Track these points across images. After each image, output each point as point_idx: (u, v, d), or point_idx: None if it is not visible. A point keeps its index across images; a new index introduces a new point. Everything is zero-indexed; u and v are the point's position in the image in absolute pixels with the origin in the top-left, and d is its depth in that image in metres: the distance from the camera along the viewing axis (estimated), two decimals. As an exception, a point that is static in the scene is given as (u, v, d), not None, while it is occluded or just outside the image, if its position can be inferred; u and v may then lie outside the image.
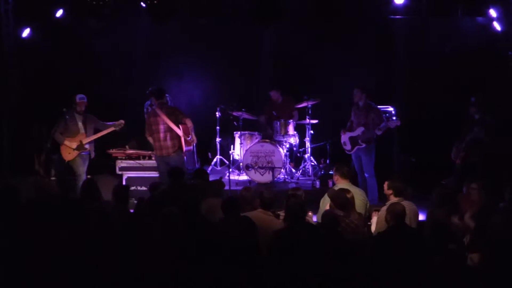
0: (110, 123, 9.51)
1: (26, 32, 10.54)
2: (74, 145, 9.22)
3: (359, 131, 9.19)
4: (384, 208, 6.64)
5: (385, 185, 7.05)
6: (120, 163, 9.80)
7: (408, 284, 4.64)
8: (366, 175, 9.18)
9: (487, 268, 4.86)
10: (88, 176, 9.42)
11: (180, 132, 8.94)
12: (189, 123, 8.99)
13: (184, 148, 9.00)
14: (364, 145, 9.15)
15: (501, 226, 5.81)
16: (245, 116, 10.91)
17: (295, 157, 10.99)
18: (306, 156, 10.72)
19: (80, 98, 9.28)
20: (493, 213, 6.34)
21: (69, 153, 9.24)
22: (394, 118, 9.68)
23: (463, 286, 4.52)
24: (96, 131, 9.45)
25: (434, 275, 4.60)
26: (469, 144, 8.95)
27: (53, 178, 10.13)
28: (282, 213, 6.70)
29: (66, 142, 9.22)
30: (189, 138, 8.95)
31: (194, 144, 9.89)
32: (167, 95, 9.68)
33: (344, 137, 9.43)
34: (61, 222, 5.67)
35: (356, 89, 9.28)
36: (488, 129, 8.91)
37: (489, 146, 8.94)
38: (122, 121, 9.49)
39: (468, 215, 6.41)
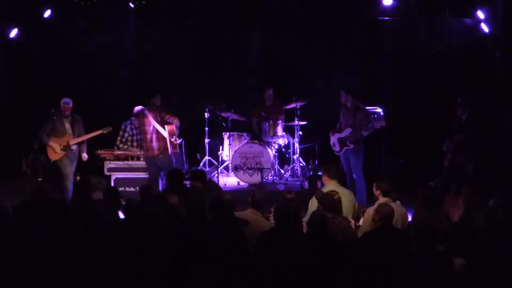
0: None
1: (13, 33, 10.48)
2: (60, 146, 9.16)
3: (347, 132, 9.21)
4: (370, 208, 6.66)
5: (374, 186, 7.08)
6: (108, 164, 9.76)
7: (392, 285, 4.66)
8: (354, 176, 9.20)
9: (470, 271, 4.89)
10: (77, 177, 9.41)
11: (165, 133, 8.92)
12: (176, 122, 8.97)
13: (170, 151, 8.97)
14: (352, 146, 9.17)
15: (484, 228, 5.82)
16: (234, 117, 10.90)
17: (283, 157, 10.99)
18: (294, 157, 10.72)
19: (64, 103, 9.15)
20: (477, 215, 6.35)
21: (55, 153, 9.18)
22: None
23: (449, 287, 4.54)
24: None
25: (419, 276, 4.62)
26: (456, 145, 9.01)
27: (40, 179, 10.08)
28: (270, 216, 6.72)
29: (51, 143, 9.16)
30: (173, 139, 8.91)
31: (183, 145, 9.87)
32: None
33: (333, 138, 9.45)
34: (56, 222, 5.65)
35: (341, 90, 9.31)
36: (475, 130, 8.97)
37: (476, 147, 9.00)
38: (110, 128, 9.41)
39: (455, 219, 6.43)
